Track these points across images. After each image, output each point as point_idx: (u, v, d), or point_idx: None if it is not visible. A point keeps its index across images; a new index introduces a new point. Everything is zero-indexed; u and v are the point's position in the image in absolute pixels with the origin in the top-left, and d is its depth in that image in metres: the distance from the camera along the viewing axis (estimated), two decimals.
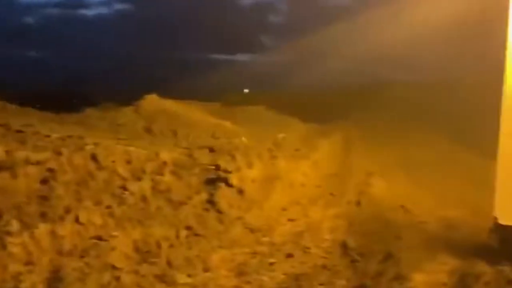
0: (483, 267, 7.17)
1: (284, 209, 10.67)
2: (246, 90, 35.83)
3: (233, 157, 11.33)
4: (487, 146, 9.15)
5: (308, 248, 8.60)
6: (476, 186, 11.67)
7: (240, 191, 10.39)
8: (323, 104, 26.66)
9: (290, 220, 10.12)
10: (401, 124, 21.58)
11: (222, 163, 10.89)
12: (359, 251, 8.41)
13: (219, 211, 9.67)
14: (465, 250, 8.43)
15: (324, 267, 7.98)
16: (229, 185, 10.35)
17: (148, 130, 16.70)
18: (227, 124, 17.58)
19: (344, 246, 8.64)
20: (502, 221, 8.32)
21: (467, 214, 10.70)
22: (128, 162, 10.64)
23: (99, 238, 8.11)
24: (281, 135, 15.84)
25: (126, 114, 18.18)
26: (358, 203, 11.19)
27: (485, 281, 6.84)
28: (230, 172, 10.62)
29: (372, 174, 13.33)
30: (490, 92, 8.71)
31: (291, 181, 11.94)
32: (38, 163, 9.10)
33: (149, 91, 19.55)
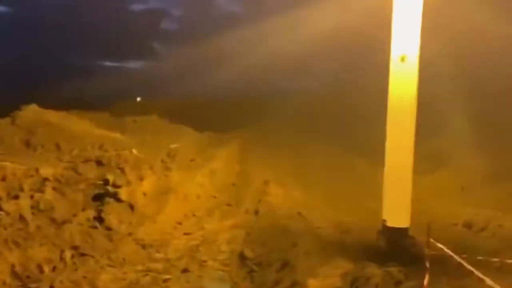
0: (372, 269, 7.69)
1: (179, 223, 10.58)
2: (138, 99, 35.03)
3: (122, 171, 11.02)
4: (376, 153, 9.86)
5: (205, 261, 8.61)
6: (367, 191, 12.47)
7: (131, 206, 10.15)
8: (218, 113, 26.85)
9: (186, 233, 10.05)
10: (296, 132, 22.45)
11: (111, 177, 10.54)
12: (257, 261, 8.60)
13: (108, 228, 9.35)
14: (357, 253, 8.98)
15: (221, 279, 8.03)
16: (118, 200, 10.06)
17: (27, 144, 15.66)
18: (117, 135, 17.00)
19: (241, 257, 8.76)
20: (390, 223, 9.01)
21: (359, 218, 11.42)
22: (3, 179, 9.93)
23: None
24: (174, 146, 15.67)
25: (1, 126, 16.86)
26: (256, 212, 11.38)
27: (375, 283, 7.34)
28: (119, 187, 10.33)
29: (269, 182, 13.66)
30: (380, 102, 9.37)
31: (186, 193, 11.88)
32: None
33: (28, 101, 18.39)
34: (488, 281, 6.72)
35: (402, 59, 8.75)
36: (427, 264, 7.75)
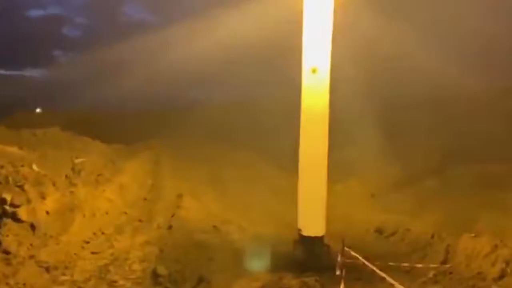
0: (289, 280, 7.90)
1: (86, 242, 10.15)
2: (38, 110, 33.32)
3: (21, 188, 10.37)
4: (292, 163, 10.13)
5: (115, 281, 8.34)
6: (284, 201, 12.75)
7: (32, 226, 9.58)
8: (126, 124, 26.15)
9: (94, 253, 9.67)
10: (210, 142, 22.43)
11: (8, 196, 9.88)
12: (171, 278, 8.49)
13: (6, 252, 8.76)
14: (274, 263, 9.16)
15: None
16: (17, 220, 9.46)
17: None
18: (14, 149, 15.96)
19: (154, 275, 8.59)
20: (305, 232, 9.27)
21: (275, 229, 11.64)
22: None
23: None
24: (80, 160, 15.02)
25: None
26: (169, 227, 11.22)
27: None
28: (18, 206, 9.71)
29: (183, 195, 13.53)
30: (294, 112, 9.65)
31: (93, 210, 11.43)
32: None
33: None
34: (398, 286, 7.13)
35: (314, 71, 9.10)
36: (343, 272, 8.09)
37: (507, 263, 8.15)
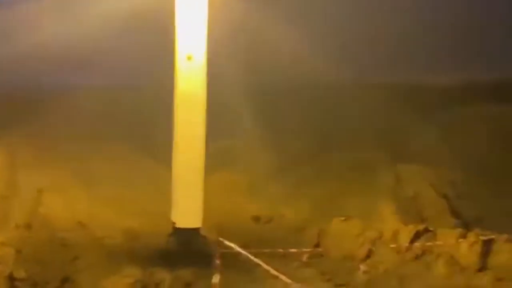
0: (162, 275, 7.97)
1: None
2: None
3: None
4: (164, 152, 10.05)
5: None
6: (156, 193, 12.62)
7: None
8: None
9: None
10: (76, 134, 21.33)
11: None
12: (32, 281, 8.14)
13: None
14: (148, 259, 9.13)
15: None
16: None
17: None
18: None
19: (11, 279, 8.06)
20: (180, 224, 9.31)
21: (148, 222, 11.50)
22: None
23: None
24: None
25: None
26: (29, 226, 10.62)
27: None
28: None
29: (45, 191, 12.86)
30: (170, 101, 9.55)
31: None
32: None
33: None
34: (272, 271, 7.53)
35: (189, 58, 9.08)
36: (217, 263, 8.30)
37: (373, 244, 8.96)
